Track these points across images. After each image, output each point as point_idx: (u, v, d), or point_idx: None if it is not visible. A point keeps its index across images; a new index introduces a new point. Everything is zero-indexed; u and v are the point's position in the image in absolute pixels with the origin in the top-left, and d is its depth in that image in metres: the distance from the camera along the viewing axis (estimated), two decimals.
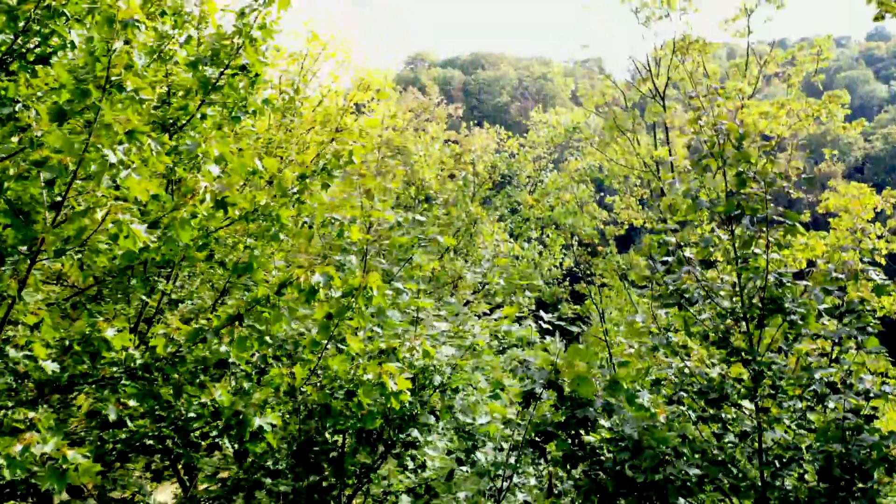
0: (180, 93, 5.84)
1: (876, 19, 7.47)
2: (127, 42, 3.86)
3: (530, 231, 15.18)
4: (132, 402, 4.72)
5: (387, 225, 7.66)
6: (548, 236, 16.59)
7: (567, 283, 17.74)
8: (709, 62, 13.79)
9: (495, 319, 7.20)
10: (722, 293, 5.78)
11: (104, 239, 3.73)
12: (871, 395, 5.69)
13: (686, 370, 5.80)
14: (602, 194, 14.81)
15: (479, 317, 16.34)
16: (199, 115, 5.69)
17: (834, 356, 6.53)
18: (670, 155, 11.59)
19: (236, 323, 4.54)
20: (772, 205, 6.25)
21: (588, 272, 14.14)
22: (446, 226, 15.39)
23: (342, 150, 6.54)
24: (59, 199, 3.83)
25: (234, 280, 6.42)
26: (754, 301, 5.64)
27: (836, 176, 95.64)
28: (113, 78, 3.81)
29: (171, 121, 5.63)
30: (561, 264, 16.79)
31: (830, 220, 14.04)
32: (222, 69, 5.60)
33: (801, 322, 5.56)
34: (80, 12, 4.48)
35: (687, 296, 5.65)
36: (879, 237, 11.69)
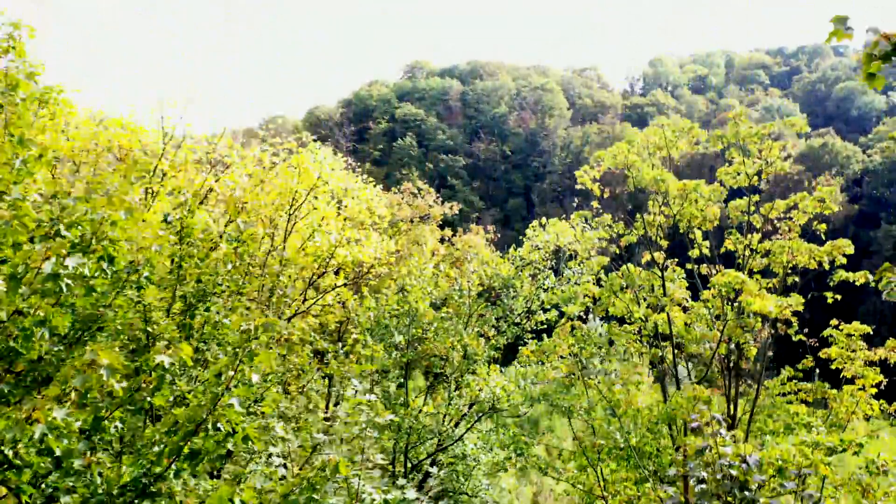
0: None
1: None
2: None
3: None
4: None
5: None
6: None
7: None
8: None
9: None
10: None
11: None
12: None
13: None
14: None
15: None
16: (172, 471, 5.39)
17: None
18: (670, 329, 11.33)
19: None
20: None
21: None
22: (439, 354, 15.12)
23: (329, 462, 6.23)
24: None
25: None
26: None
27: (835, 190, 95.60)
28: None
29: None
30: None
31: (832, 366, 13.84)
32: None
33: None
34: None
35: None
36: None
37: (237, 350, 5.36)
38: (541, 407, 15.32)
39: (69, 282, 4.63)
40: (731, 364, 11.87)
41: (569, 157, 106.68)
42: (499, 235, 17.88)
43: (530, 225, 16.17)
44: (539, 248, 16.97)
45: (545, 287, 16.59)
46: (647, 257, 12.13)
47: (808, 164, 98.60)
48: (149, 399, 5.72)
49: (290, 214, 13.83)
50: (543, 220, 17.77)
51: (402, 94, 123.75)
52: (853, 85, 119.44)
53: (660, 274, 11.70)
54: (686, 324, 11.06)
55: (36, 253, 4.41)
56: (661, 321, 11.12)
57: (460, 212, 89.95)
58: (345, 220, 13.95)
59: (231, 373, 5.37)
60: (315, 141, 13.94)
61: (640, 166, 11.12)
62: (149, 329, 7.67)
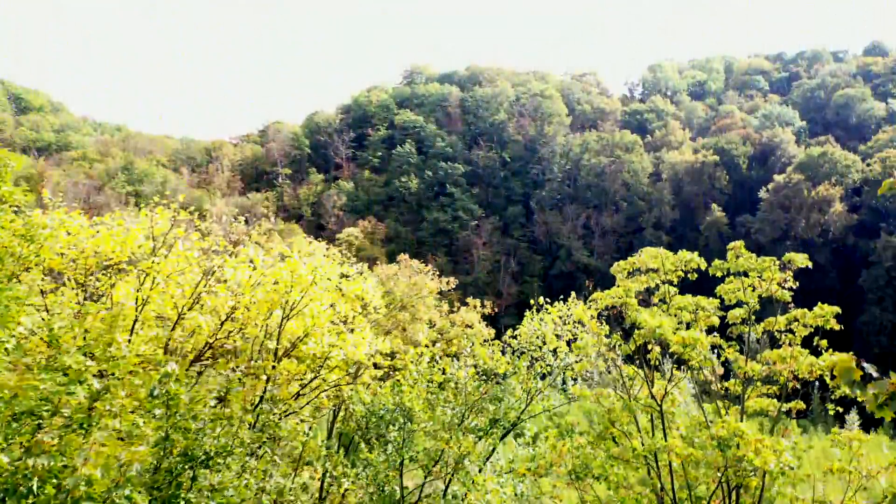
0: None
1: None
2: None
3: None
4: None
5: None
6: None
7: None
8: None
9: None
10: None
11: None
12: None
13: None
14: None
15: None
16: None
17: None
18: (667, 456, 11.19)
19: None
20: None
21: None
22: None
23: None
24: None
25: None
26: None
27: (834, 200, 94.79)
28: None
29: None
30: None
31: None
32: None
33: None
34: None
35: None
36: None
37: None
38: None
39: None
40: (732, 487, 11.74)
41: (568, 164, 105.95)
42: (496, 310, 17.71)
43: (526, 313, 16.01)
44: (535, 332, 16.82)
45: (542, 375, 16.46)
46: (645, 392, 11.99)
47: (808, 174, 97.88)
48: None
49: (283, 317, 13.66)
50: (542, 300, 17.63)
51: (401, 100, 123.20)
52: (852, 92, 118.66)
53: (658, 408, 11.55)
54: (685, 461, 10.92)
55: None
56: (661, 450, 10.97)
57: (458, 219, 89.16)
58: (335, 322, 13.79)
59: None
60: (311, 242, 13.73)
61: (635, 307, 10.98)
62: None
